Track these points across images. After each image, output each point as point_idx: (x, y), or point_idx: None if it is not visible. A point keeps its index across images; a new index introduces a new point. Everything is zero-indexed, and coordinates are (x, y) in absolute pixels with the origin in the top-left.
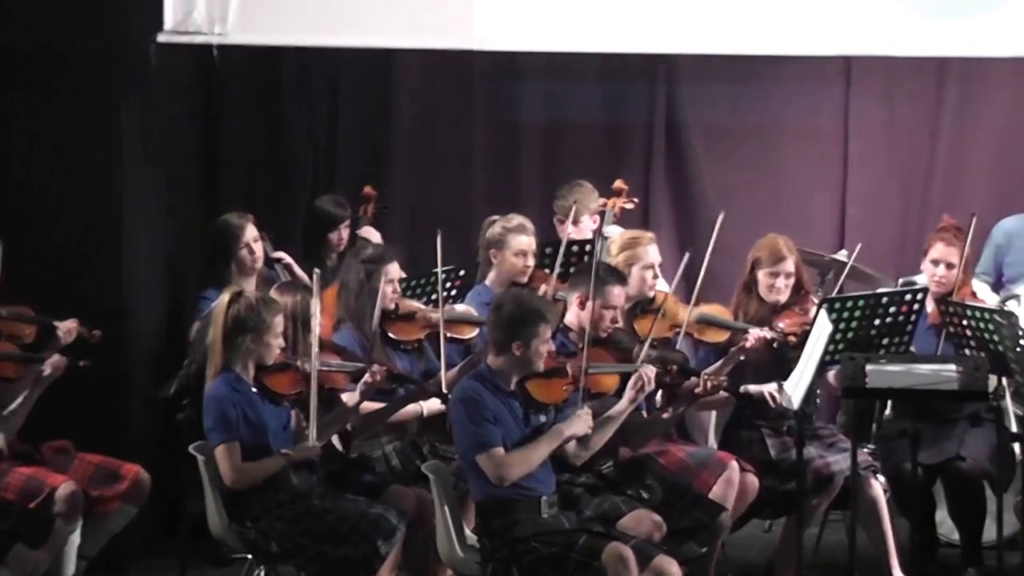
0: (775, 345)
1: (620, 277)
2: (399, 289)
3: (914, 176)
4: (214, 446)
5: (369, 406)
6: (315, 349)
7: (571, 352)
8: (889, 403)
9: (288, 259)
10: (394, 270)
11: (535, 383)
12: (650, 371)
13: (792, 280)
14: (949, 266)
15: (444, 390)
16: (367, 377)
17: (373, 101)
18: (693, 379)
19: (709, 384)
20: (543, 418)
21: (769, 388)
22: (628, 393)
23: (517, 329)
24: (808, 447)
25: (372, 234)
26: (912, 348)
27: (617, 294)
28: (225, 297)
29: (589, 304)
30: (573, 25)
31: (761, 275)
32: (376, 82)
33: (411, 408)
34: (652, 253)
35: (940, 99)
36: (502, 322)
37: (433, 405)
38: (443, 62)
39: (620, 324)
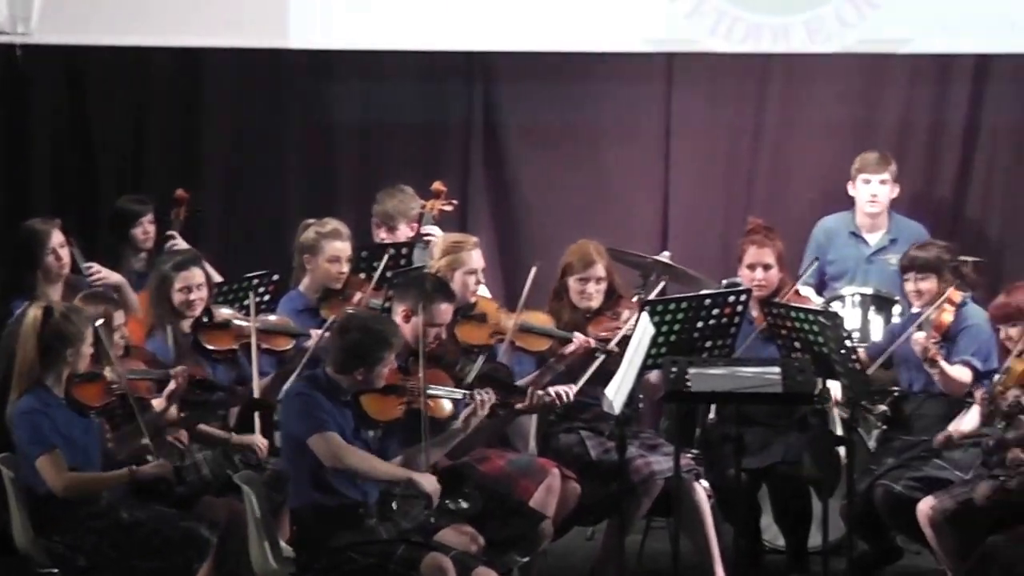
0: (597, 355)
1: (448, 293)
2: (205, 296)
3: (737, 176)
4: (34, 459)
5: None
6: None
7: (400, 366)
8: (712, 407)
9: (98, 269)
10: (198, 275)
11: (369, 398)
12: (486, 397)
13: (604, 285)
14: (766, 267)
15: (256, 397)
16: (171, 383)
17: (184, 102)
18: (517, 398)
19: (535, 401)
20: (372, 433)
21: (565, 388)
22: (461, 421)
23: (361, 356)
24: (629, 448)
25: (179, 240)
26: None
27: (444, 311)
28: (35, 313)
29: (415, 319)
30: (388, 23)
31: (572, 281)
32: (187, 82)
33: (219, 433)
34: (475, 258)
35: (762, 98)
36: (346, 347)
37: (245, 438)
38: (255, 61)
39: (444, 338)
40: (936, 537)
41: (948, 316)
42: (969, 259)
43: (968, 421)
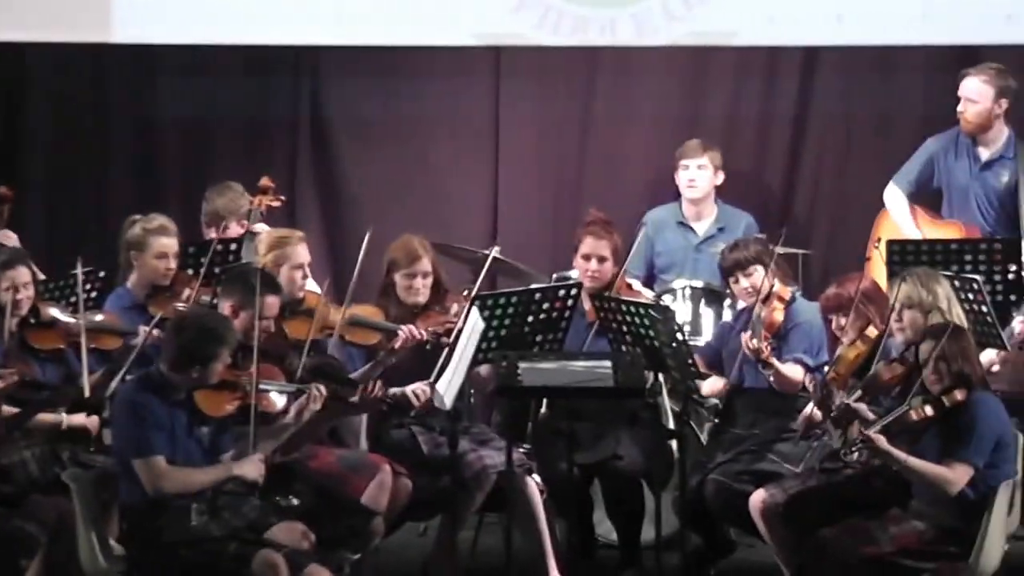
0: (428, 347)
1: (275, 286)
2: (32, 295)
3: (566, 169)
4: None
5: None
6: None
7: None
8: (544, 401)
9: None
10: (25, 274)
11: (203, 394)
12: (318, 391)
13: (430, 280)
14: (601, 260)
15: (87, 395)
16: None
17: (6, 98)
18: (351, 391)
19: (369, 395)
20: (205, 429)
21: (414, 388)
22: (293, 414)
23: (197, 355)
24: (461, 442)
25: (8, 237)
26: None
27: (271, 304)
28: None
29: (243, 314)
30: (213, 17)
31: (398, 277)
32: (9, 78)
33: (50, 417)
34: (301, 253)
35: (591, 91)
36: (182, 345)
37: (77, 419)
38: (79, 56)
39: (272, 331)
40: (768, 530)
41: (779, 315)
42: (800, 251)
43: None
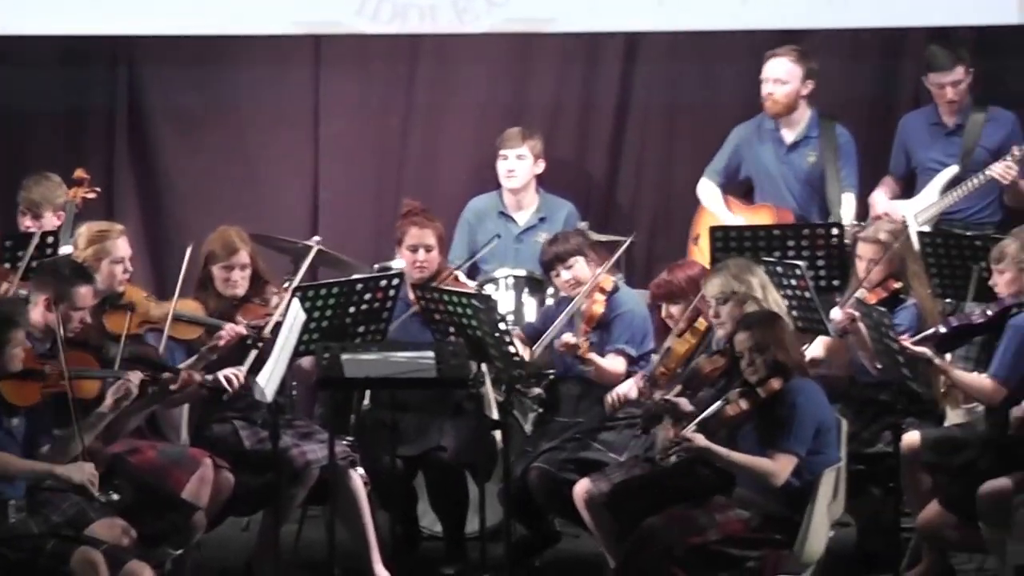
0: (249, 341)
1: (86, 276)
2: None
3: (388, 158)
4: None
5: None
6: None
7: (44, 353)
8: (367, 393)
9: None
10: None
11: (8, 384)
12: (135, 377)
13: (248, 272)
14: (427, 249)
15: None
16: None
17: None
18: (168, 376)
19: (186, 381)
20: (16, 421)
21: (227, 372)
22: (109, 400)
23: None
24: (284, 437)
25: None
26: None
27: (84, 294)
28: None
29: (57, 307)
30: (27, 7)
31: (216, 270)
32: None
33: None
34: (122, 247)
35: (412, 79)
36: None
37: None
38: None
39: (89, 321)
40: (593, 520)
41: (599, 307)
42: (622, 239)
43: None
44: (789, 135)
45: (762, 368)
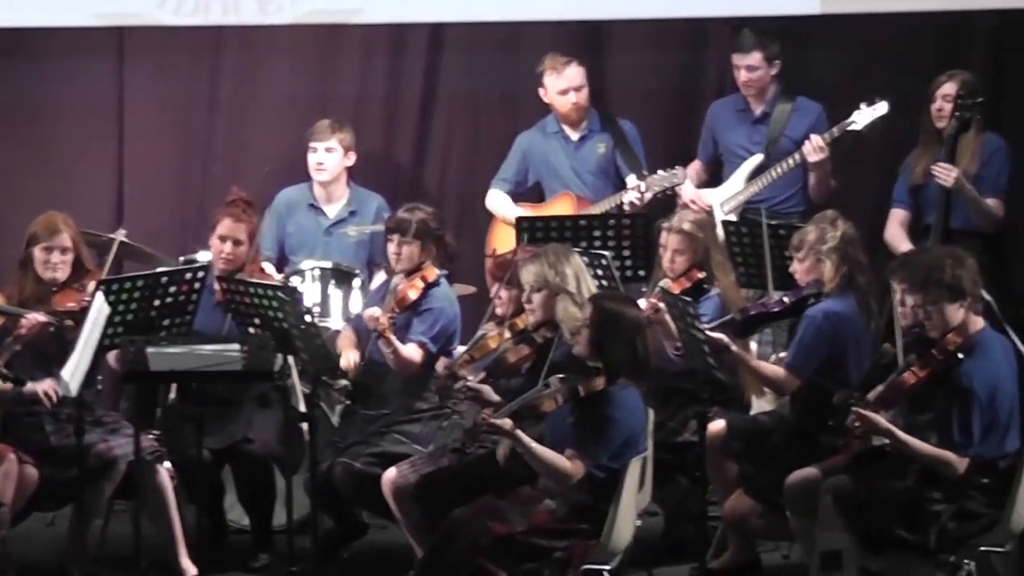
0: (52, 329)
1: None
2: None
3: (194, 149)
4: None
5: None
6: None
7: None
8: (173, 386)
9: None
10: None
11: None
12: None
13: (70, 256)
14: (236, 243)
15: None
16: None
17: None
18: None
19: None
20: None
21: (43, 387)
22: None
23: None
24: (90, 432)
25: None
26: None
27: None
28: None
29: None
30: None
31: (37, 251)
32: None
33: None
34: None
35: (217, 71)
36: None
37: None
38: None
39: None
40: (400, 511)
41: (414, 293)
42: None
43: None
44: (574, 134)
45: (586, 345)
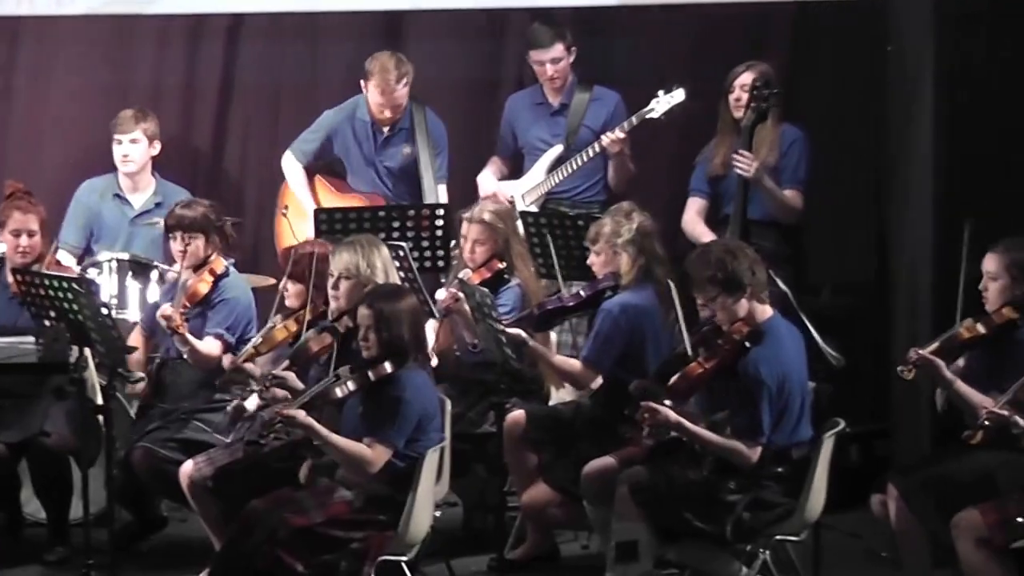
0: None
1: None
2: None
3: None
4: None
5: None
6: None
7: None
8: None
9: None
10: None
11: None
12: None
13: None
14: (31, 234)
15: None
16: None
17: None
18: None
19: None
20: None
21: None
22: None
23: None
24: None
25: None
26: None
27: None
28: None
29: None
30: None
31: None
32: None
33: None
34: None
35: (12, 61)
36: None
37: None
38: None
39: None
40: (197, 503)
41: (204, 287)
42: (229, 219)
43: None
44: (384, 129)
45: (376, 346)
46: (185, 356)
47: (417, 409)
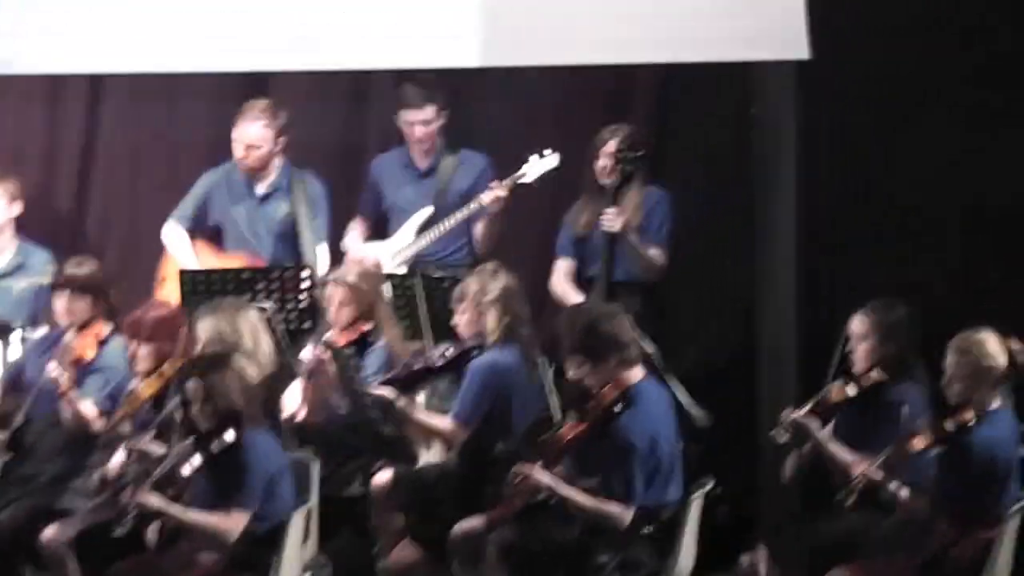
0: None
1: None
2: None
3: None
4: None
5: None
6: None
7: None
8: None
9: None
10: None
11: None
12: None
13: None
14: None
15: None
16: None
17: None
18: None
19: None
20: None
21: None
22: None
23: None
24: None
25: None
26: None
27: None
28: None
29: None
30: None
31: None
32: None
33: None
34: None
35: None
36: None
37: None
38: None
39: None
40: (58, 569)
41: (91, 352)
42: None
43: None
44: (260, 187)
45: (212, 418)
46: (66, 418)
47: (263, 469)
